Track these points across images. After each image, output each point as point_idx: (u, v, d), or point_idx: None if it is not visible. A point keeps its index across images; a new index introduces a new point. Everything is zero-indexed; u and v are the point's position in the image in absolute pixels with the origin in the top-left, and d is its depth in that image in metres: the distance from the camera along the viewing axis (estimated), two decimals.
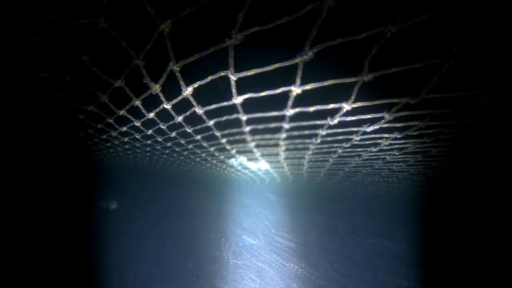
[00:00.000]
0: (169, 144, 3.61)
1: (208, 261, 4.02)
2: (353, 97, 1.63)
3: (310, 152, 3.06)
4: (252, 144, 2.90)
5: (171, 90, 1.89)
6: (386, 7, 1.19)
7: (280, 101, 1.82)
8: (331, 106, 1.77)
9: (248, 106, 1.93)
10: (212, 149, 3.54)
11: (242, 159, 4.25)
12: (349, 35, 1.17)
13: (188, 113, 2.24)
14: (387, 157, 3.12)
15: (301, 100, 1.74)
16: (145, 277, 3.52)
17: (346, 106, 1.72)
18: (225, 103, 1.93)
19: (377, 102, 1.66)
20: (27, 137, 4.39)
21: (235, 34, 1.25)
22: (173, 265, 3.83)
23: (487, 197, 5.82)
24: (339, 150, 2.92)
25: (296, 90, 1.59)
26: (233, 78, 1.56)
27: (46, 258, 3.68)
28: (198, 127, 2.56)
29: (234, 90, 1.71)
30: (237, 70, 1.50)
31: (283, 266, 3.98)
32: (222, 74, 1.55)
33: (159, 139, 3.36)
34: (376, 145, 2.67)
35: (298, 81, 1.51)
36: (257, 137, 2.66)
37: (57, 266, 3.54)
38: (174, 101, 2.04)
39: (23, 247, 3.79)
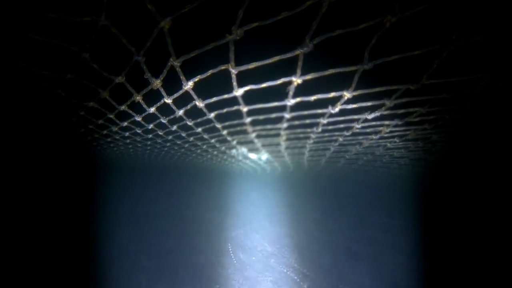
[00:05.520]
0: (170, 137, 3.62)
1: (211, 253, 4.06)
2: (353, 85, 1.63)
3: (311, 141, 3.07)
4: (253, 134, 2.92)
5: (172, 84, 1.90)
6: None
7: (281, 92, 1.83)
8: (332, 94, 1.78)
9: (249, 97, 1.94)
10: (213, 140, 3.56)
11: (243, 149, 4.27)
12: (348, 27, 1.18)
13: (189, 106, 2.25)
14: (388, 144, 3.14)
15: (302, 90, 1.75)
16: (146, 273, 3.56)
17: (347, 94, 1.73)
18: (225, 96, 1.94)
19: (378, 89, 1.67)
20: (29, 134, 4.39)
21: (236, 29, 1.26)
22: (176, 259, 3.86)
23: (487, 181, 5.85)
24: (340, 138, 2.93)
25: (297, 80, 1.60)
26: (233, 71, 1.57)
27: (46, 252, 3.71)
28: (199, 120, 2.57)
29: (234, 83, 1.72)
30: (239, 64, 1.51)
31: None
32: (223, 67, 1.56)
33: (160, 133, 3.37)
34: (377, 132, 2.68)
35: (299, 71, 1.52)
36: (258, 127, 2.68)
37: (56, 260, 3.57)
38: (175, 95, 2.04)
39: (23, 242, 3.83)
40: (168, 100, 2.15)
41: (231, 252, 4.02)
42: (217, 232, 4.85)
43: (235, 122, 2.53)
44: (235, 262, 3.74)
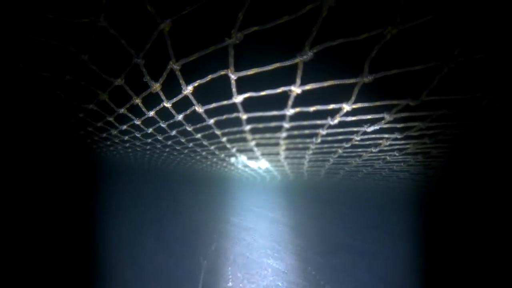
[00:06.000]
0: (169, 142, 3.61)
1: (208, 257, 4.02)
2: (353, 98, 1.62)
3: (311, 151, 3.06)
4: (253, 143, 2.90)
5: (171, 88, 1.89)
6: (387, 8, 1.18)
7: (281, 101, 1.81)
8: (331, 106, 1.77)
9: (248, 105, 1.93)
10: (212, 147, 3.54)
11: (243, 157, 4.25)
12: (349, 36, 1.17)
13: (188, 111, 2.24)
14: (388, 157, 3.12)
15: (301, 99, 1.73)
16: (144, 274, 3.52)
17: (346, 107, 1.72)
18: (225, 102, 1.93)
19: (377, 103, 1.65)
20: (28, 135, 4.39)
21: (235, 33, 1.25)
22: (174, 263, 3.83)
23: (487, 198, 5.82)
24: (340, 150, 2.91)
25: (296, 90, 1.59)
26: (233, 77, 1.55)
27: (46, 254, 3.69)
28: (198, 125, 2.56)
29: (234, 89, 1.71)
30: (237, 69, 1.49)
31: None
32: (222, 73, 1.55)
33: (159, 138, 3.36)
34: (376, 145, 2.66)
35: (298, 81, 1.50)
36: (258, 136, 2.66)
37: (56, 263, 3.54)
38: (174, 99, 2.03)
39: (22, 245, 3.80)
40: (168, 104, 2.14)
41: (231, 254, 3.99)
42: (215, 237, 4.82)
43: (235, 129, 2.52)
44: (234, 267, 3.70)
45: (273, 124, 2.26)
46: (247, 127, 2.37)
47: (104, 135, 3.54)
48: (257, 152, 3.41)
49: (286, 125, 2.18)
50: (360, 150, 2.90)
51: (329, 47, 1.23)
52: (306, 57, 1.30)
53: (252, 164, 4.80)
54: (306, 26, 1.15)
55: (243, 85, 1.67)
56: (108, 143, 4.11)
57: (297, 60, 1.34)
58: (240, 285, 3.39)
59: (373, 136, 2.35)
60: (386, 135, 2.33)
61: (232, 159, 4.58)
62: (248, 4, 1.11)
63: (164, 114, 2.41)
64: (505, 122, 1.90)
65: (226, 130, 2.59)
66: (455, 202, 7.07)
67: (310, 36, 1.19)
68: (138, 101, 2.16)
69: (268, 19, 1.16)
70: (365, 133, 2.25)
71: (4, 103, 2.83)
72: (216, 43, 1.34)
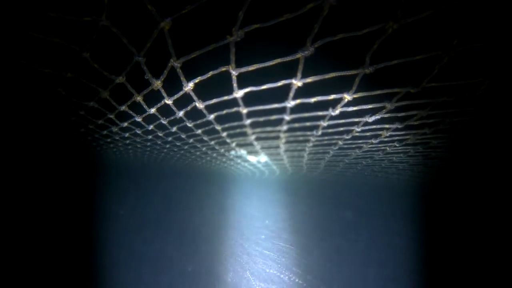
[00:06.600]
0: (169, 138, 3.61)
1: (209, 255, 4.05)
2: (354, 87, 1.63)
3: (311, 144, 3.07)
4: (253, 137, 2.91)
5: (172, 85, 1.90)
6: (388, 3, 1.19)
7: (281, 95, 1.82)
8: (332, 96, 1.78)
9: (249, 99, 1.94)
10: (212, 142, 3.55)
11: (242, 152, 4.26)
12: (350, 31, 1.18)
13: (189, 107, 2.25)
14: (388, 148, 3.14)
15: (302, 92, 1.74)
16: (144, 274, 3.54)
17: (347, 97, 1.73)
18: (226, 97, 1.94)
19: (378, 92, 1.67)
20: (28, 133, 4.39)
21: (236, 31, 1.26)
22: (173, 261, 3.85)
23: (486, 188, 5.85)
24: (340, 142, 2.93)
25: (297, 83, 1.60)
26: (234, 73, 1.56)
27: (46, 253, 3.70)
28: (198, 121, 2.57)
29: (235, 85, 1.72)
30: (238, 65, 1.50)
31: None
32: (223, 69, 1.56)
33: (160, 134, 3.37)
34: (377, 136, 2.67)
35: (299, 75, 1.51)
36: (258, 129, 2.67)
37: (56, 262, 3.56)
38: (175, 96, 2.04)
39: (22, 244, 3.81)
40: (169, 101, 2.15)
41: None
42: (216, 235, 4.84)
43: (235, 124, 2.53)
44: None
45: (273, 117, 2.26)
46: (248, 121, 2.39)
47: (105, 132, 3.54)
48: (257, 146, 3.43)
49: (287, 117, 2.19)
50: (360, 141, 2.91)
51: (331, 42, 1.24)
52: (308, 52, 1.31)
53: (252, 158, 4.81)
54: (308, 23, 1.16)
55: (244, 80, 1.68)
56: (109, 140, 4.11)
57: (298, 55, 1.35)
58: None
59: (374, 126, 2.36)
60: (387, 126, 2.34)
61: (232, 154, 4.59)
62: (248, 2, 1.12)
63: (165, 110, 2.42)
64: (504, 112, 1.92)
65: (226, 125, 2.60)
66: (453, 193, 7.10)
67: (312, 33, 1.20)
68: (139, 98, 2.17)
69: (270, 16, 1.17)
70: (366, 123, 2.26)
71: (5, 100, 2.83)
72: (218, 41, 1.34)
